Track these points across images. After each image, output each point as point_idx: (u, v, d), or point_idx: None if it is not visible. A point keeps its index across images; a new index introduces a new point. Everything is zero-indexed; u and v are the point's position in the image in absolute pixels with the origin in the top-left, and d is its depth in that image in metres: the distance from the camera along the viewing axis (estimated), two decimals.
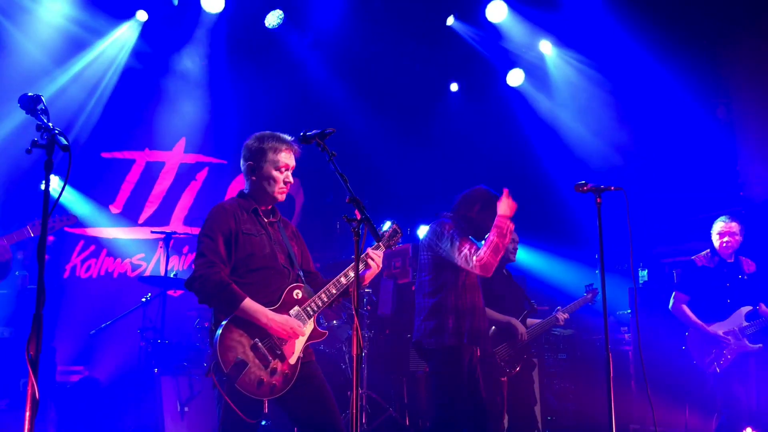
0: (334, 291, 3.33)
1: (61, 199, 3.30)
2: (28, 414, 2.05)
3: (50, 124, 2.20)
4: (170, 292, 6.86)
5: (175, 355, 5.73)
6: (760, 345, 5.34)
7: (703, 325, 5.46)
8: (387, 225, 3.65)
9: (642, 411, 6.97)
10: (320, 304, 3.32)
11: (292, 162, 3.42)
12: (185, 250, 7.99)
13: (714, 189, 7.41)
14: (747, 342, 5.35)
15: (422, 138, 8.79)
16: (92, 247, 7.54)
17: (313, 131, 2.96)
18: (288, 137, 3.45)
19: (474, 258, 4.22)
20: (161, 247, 7.36)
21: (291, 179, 3.43)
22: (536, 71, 8.20)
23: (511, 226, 4.26)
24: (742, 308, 5.43)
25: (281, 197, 3.42)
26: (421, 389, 6.39)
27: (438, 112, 8.82)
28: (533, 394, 5.92)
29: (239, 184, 8.44)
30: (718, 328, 5.43)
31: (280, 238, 3.42)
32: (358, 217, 2.87)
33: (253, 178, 3.41)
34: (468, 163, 8.61)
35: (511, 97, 8.40)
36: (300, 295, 3.31)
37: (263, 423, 5.64)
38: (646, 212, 7.70)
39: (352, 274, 3.34)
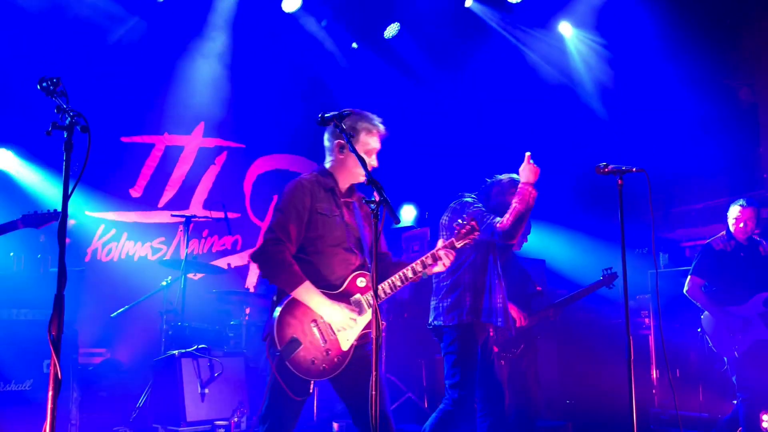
0: (398, 284, 3.30)
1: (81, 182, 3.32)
2: (51, 394, 2.07)
3: (69, 107, 2.21)
4: (190, 276, 6.91)
5: (195, 337, 5.78)
6: None
7: (719, 309, 5.40)
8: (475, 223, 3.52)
9: (662, 395, 6.94)
10: (382, 295, 3.28)
11: (379, 145, 3.39)
12: (205, 233, 8.04)
13: (736, 172, 7.32)
14: (765, 327, 5.29)
15: (439, 118, 8.73)
16: (113, 231, 7.60)
17: (332, 113, 2.94)
18: (378, 119, 3.41)
19: (497, 224, 4.11)
20: (181, 231, 7.41)
21: (376, 163, 3.38)
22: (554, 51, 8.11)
23: (534, 193, 4.12)
24: (761, 294, 5.35)
25: (364, 179, 3.33)
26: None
27: (457, 89, 8.73)
28: (535, 377, 5.91)
29: (258, 168, 8.47)
30: (736, 313, 5.37)
31: (353, 220, 3.38)
32: (377, 199, 2.85)
33: (340, 156, 3.35)
34: (488, 144, 8.55)
35: (530, 70, 8.29)
36: (364, 284, 3.27)
37: None
38: (667, 195, 7.62)
39: (419, 268, 3.32)
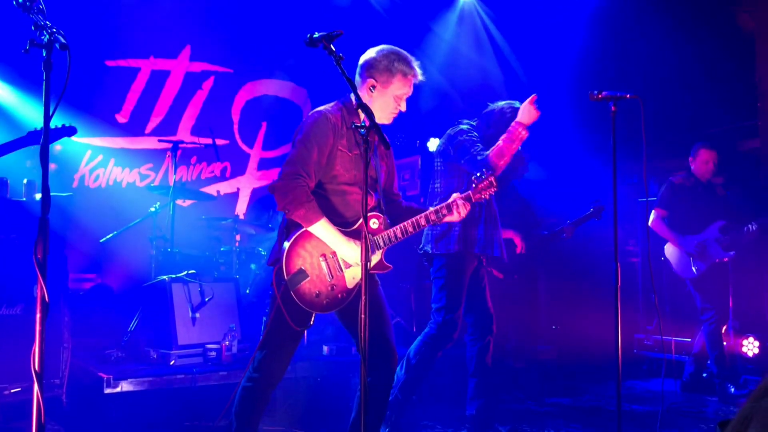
0: (410, 230, 3.27)
1: (63, 104, 3.24)
2: (38, 316, 2.08)
3: (47, 23, 2.12)
4: (179, 202, 6.88)
5: (185, 263, 5.80)
6: (733, 253, 5.81)
7: (679, 236, 5.93)
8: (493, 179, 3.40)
9: (646, 320, 7.10)
10: (392, 239, 3.25)
11: (412, 90, 3.30)
12: (193, 160, 7.97)
13: (730, 101, 7.26)
14: (721, 250, 5.80)
15: (434, 45, 8.56)
16: (100, 157, 7.52)
17: (320, 33, 2.84)
18: (416, 61, 3.29)
19: (478, 158, 4.12)
20: (169, 157, 7.34)
21: (405, 108, 3.30)
22: None
23: (524, 135, 4.08)
24: (717, 222, 5.86)
25: (389, 122, 3.31)
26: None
27: (452, 20, 8.56)
28: (534, 303, 6.03)
29: (246, 93, 8.33)
30: (694, 240, 5.88)
31: (372, 159, 3.31)
32: (367, 124, 2.79)
33: (370, 96, 3.23)
34: (480, 72, 8.43)
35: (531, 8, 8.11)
36: (376, 225, 3.25)
37: None
38: (658, 125, 7.56)
39: (433, 217, 3.30)
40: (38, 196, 4.60)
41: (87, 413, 4.45)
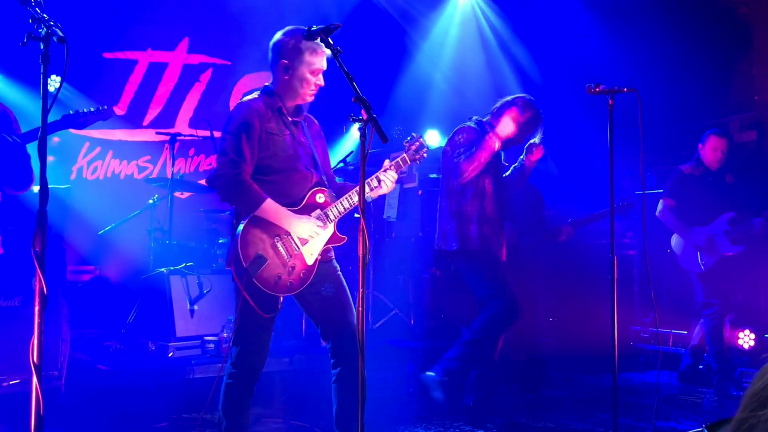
0: (346, 206, 3.31)
1: (61, 97, 3.23)
2: (37, 308, 2.09)
3: (45, 15, 2.12)
4: (177, 194, 6.89)
5: (183, 255, 5.81)
6: (742, 247, 5.61)
7: (686, 228, 5.74)
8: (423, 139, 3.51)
9: (643, 313, 7.12)
10: (341, 210, 3.31)
11: (325, 65, 3.31)
12: (191, 152, 7.97)
13: (727, 93, 7.26)
14: (730, 244, 5.61)
15: (433, 40, 8.55)
16: (98, 149, 7.51)
17: (318, 27, 2.84)
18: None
19: (454, 160, 4.33)
20: (167, 149, 7.34)
21: (322, 82, 3.32)
22: None
23: (496, 147, 4.27)
24: (726, 214, 5.67)
25: (310, 99, 3.34)
26: (425, 290, 6.51)
27: (450, 13, 8.55)
28: (532, 299, 6.05)
29: (244, 86, 8.30)
30: (702, 232, 5.69)
31: (304, 139, 3.36)
32: (365, 117, 2.79)
33: (285, 77, 3.27)
34: (476, 64, 8.42)
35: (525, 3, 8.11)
36: (323, 199, 3.30)
37: None
38: (656, 117, 7.56)
39: (375, 183, 3.34)
40: (36, 188, 4.60)
41: (85, 405, 4.47)
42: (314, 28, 2.85)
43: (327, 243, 3.29)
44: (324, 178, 3.39)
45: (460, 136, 4.42)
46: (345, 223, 6.21)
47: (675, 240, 5.89)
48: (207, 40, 7.96)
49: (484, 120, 4.54)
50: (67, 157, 7.31)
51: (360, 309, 2.61)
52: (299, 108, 3.38)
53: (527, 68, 8.22)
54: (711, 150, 5.78)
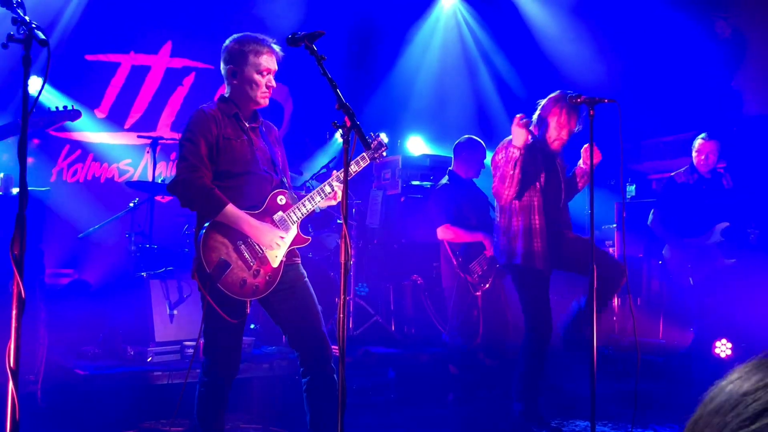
0: (318, 199, 3.32)
1: (42, 99, 3.22)
2: (14, 312, 2.06)
3: (27, 18, 2.11)
4: (158, 198, 6.85)
5: (163, 259, 5.77)
6: (734, 260, 5.53)
7: (678, 240, 5.64)
8: (383, 137, 3.54)
9: (623, 322, 7.16)
10: (304, 211, 3.30)
11: (274, 65, 3.31)
12: (173, 156, 7.92)
13: (707, 105, 7.36)
14: (722, 256, 5.54)
15: (416, 46, 8.59)
16: (78, 152, 7.45)
17: (302, 33, 2.84)
18: (269, 39, 3.33)
19: (493, 185, 4.37)
20: (148, 153, 7.28)
21: (273, 83, 3.33)
22: None
23: (514, 156, 4.21)
24: (719, 224, 5.57)
25: (264, 102, 3.33)
26: (407, 297, 6.52)
27: (432, 19, 8.60)
28: (505, 305, 6.07)
29: None
30: (694, 243, 5.60)
31: (262, 144, 3.36)
32: (348, 124, 2.80)
33: (234, 82, 3.30)
34: (458, 72, 8.46)
35: (509, 9, 8.18)
36: (284, 201, 3.30)
37: (252, 326, 5.76)
38: (637, 127, 7.65)
39: (336, 183, 3.33)
40: (15, 190, 4.56)
41: (63, 410, 4.42)
42: (297, 34, 2.85)
43: (291, 244, 3.28)
44: (285, 180, 3.39)
45: (498, 156, 4.41)
46: (323, 231, 6.23)
47: (666, 250, 5.83)
48: (191, 44, 7.94)
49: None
50: (48, 159, 7.25)
51: (341, 315, 2.60)
52: (255, 113, 3.39)
53: (510, 78, 8.28)
54: (699, 154, 5.67)
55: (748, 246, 5.51)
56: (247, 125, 3.32)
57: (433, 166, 7.34)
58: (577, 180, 4.57)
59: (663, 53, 7.45)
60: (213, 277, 3.05)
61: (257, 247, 3.17)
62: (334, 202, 3.39)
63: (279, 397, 4.99)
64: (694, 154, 5.72)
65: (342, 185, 3.31)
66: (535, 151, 4.38)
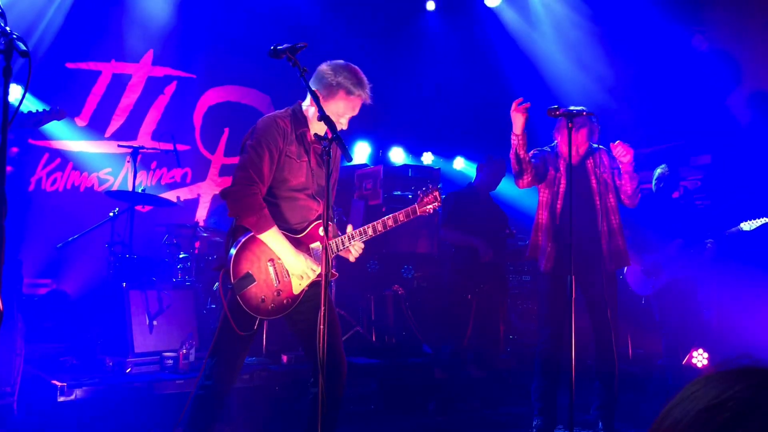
0: (358, 239, 3.28)
1: (23, 108, 3.21)
2: None
3: (7, 28, 2.10)
4: (138, 208, 6.81)
5: (143, 269, 5.73)
6: (688, 271, 5.87)
7: (636, 255, 5.87)
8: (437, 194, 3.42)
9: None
10: (341, 247, 3.28)
11: (357, 111, 3.27)
12: (153, 165, 7.88)
13: (685, 117, 7.47)
14: (677, 268, 5.85)
15: (396, 58, 8.64)
16: (58, 160, 7.39)
17: (284, 45, 2.86)
18: (367, 83, 3.25)
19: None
20: (129, 162, 7.24)
21: (346, 126, 3.26)
22: None
23: (513, 143, 4.25)
24: (677, 240, 5.90)
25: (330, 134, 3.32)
26: (388, 307, 6.52)
27: (413, 32, 8.66)
28: (499, 312, 6.11)
29: (209, 100, 8.28)
30: (651, 258, 5.93)
31: (319, 168, 3.30)
32: (329, 135, 2.82)
33: (314, 107, 3.16)
34: (443, 83, 8.52)
35: (489, 19, 8.26)
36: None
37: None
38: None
39: (380, 227, 3.28)
40: None
41: (39, 422, 4.37)
42: (280, 46, 2.87)
43: (319, 276, 3.21)
44: (331, 210, 3.35)
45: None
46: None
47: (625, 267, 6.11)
48: (172, 53, 7.91)
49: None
50: (26, 167, 7.18)
51: (321, 327, 2.62)
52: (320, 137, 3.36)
53: (492, 89, 8.35)
54: (656, 182, 6.11)
55: (705, 256, 5.80)
56: (311, 146, 3.27)
57: (415, 176, 7.37)
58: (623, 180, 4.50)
59: (642, 64, 7.56)
60: (235, 288, 3.05)
61: (286, 270, 3.16)
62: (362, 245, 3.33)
63: (260, 408, 4.97)
64: (654, 181, 6.19)
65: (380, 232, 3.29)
66: (546, 153, 4.52)
